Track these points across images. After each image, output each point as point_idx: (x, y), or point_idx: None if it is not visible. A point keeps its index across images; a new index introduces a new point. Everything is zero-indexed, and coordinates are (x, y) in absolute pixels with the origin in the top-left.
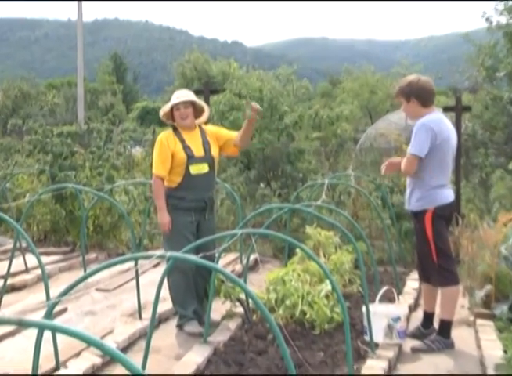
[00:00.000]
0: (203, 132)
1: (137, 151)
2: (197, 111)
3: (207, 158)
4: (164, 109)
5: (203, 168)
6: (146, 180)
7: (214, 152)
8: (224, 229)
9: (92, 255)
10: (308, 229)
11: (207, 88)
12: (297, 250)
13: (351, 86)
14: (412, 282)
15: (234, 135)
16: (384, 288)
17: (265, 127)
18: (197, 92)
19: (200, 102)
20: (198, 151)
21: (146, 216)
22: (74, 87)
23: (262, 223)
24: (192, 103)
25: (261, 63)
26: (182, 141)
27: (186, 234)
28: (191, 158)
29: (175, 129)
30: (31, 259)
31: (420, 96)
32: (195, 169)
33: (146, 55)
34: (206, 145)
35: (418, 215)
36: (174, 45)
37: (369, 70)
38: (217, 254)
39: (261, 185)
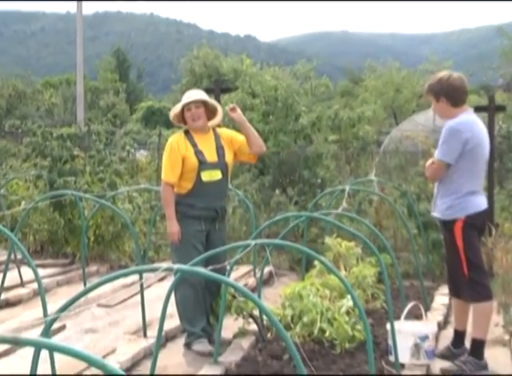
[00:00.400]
0: (217, 136)
1: (141, 155)
2: (210, 112)
3: (221, 164)
4: (175, 110)
5: (216, 174)
6: (151, 187)
7: (229, 158)
8: (236, 240)
9: (93, 268)
10: (328, 240)
11: (218, 86)
12: (316, 262)
13: (374, 84)
14: (441, 297)
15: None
16: (411, 304)
17: (280, 128)
18: (207, 91)
19: (213, 101)
20: (211, 156)
21: (152, 226)
22: (73, 85)
23: (277, 233)
24: (204, 103)
25: (276, 60)
26: (194, 145)
27: (195, 244)
28: (203, 164)
29: (187, 132)
30: (27, 272)
31: (450, 95)
32: (207, 176)
33: (152, 50)
34: (220, 150)
35: (447, 225)
36: (181, 40)
37: (393, 66)
38: (228, 267)
39: (277, 192)
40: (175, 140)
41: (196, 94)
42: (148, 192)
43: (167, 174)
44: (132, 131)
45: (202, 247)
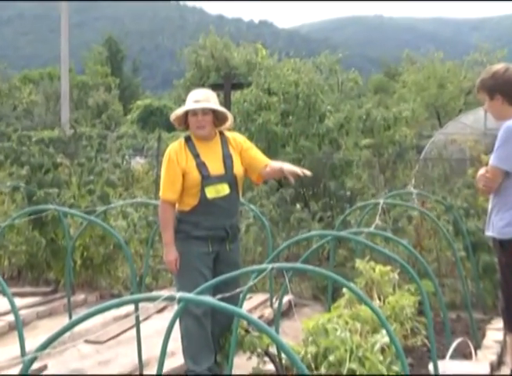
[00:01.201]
0: (224, 142)
1: (138, 163)
2: (218, 120)
3: (228, 177)
4: (177, 112)
5: (223, 189)
6: (148, 200)
7: (238, 169)
8: (250, 263)
9: (80, 297)
10: (358, 264)
11: (228, 81)
12: (344, 290)
13: (413, 78)
14: (495, 333)
15: (264, 161)
16: (457, 341)
17: (302, 131)
18: (215, 87)
19: (223, 110)
20: (216, 168)
21: (150, 247)
22: (57, 80)
23: (299, 256)
24: (213, 110)
25: (297, 50)
26: (196, 156)
27: (201, 268)
28: (206, 178)
29: (188, 139)
30: (2, 302)
31: (506, 92)
32: (212, 192)
33: (150, 39)
34: (227, 160)
35: (505, 245)
36: (185, 27)
37: (437, 57)
38: (241, 295)
39: (298, 206)
40: (174, 151)
41: (205, 98)
42: (145, 207)
43: (166, 191)
44: (127, 135)
45: (209, 272)
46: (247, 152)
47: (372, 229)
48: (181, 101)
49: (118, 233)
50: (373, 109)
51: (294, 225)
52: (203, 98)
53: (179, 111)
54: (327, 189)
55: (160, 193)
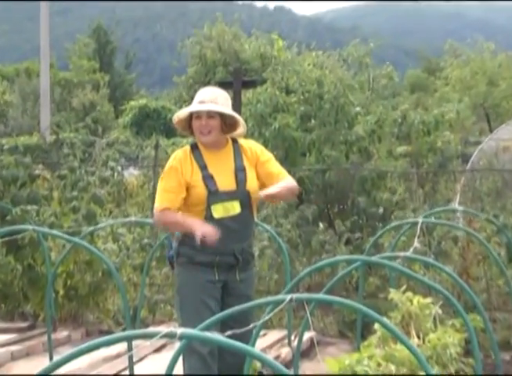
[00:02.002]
0: (237, 152)
1: (131, 175)
2: (226, 125)
3: (240, 193)
4: (180, 115)
5: (233, 208)
6: (144, 219)
7: (252, 184)
8: (264, 294)
9: (63, 334)
10: (393, 294)
11: (238, 78)
12: (376, 326)
13: (457, 74)
14: None
15: (282, 175)
16: None
17: (327, 138)
18: (223, 85)
19: (233, 114)
20: (226, 183)
21: (145, 274)
22: (36, 77)
23: (322, 285)
24: (221, 114)
25: (320, 41)
26: (203, 167)
27: (205, 299)
28: (214, 194)
29: (195, 147)
30: None
31: None
32: (219, 211)
33: (145, 28)
34: (239, 172)
35: None
36: (187, 14)
37: (486, 49)
38: (254, 332)
39: (321, 226)
40: (178, 158)
41: (213, 98)
42: (140, 227)
43: (161, 199)
44: (119, 142)
45: (216, 304)
46: (264, 166)
47: (409, 253)
48: (182, 102)
49: (108, 258)
50: (410, 110)
51: (317, 248)
52: (210, 98)
53: (182, 113)
54: (356, 205)
55: (156, 205)
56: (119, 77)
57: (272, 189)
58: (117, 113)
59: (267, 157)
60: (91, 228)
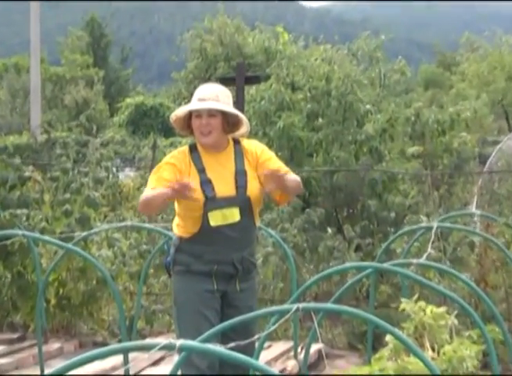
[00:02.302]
0: (239, 154)
1: (127, 177)
2: (229, 125)
3: (239, 200)
4: (178, 113)
5: (231, 215)
6: (141, 224)
7: (253, 189)
8: (268, 303)
9: (54, 346)
10: (406, 304)
11: (241, 74)
12: (388, 337)
13: (474, 69)
14: None
15: (283, 170)
16: None
17: (335, 138)
18: (225, 81)
19: (236, 113)
20: (224, 188)
21: (142, 282)
22: (26, 73)
23: (330, 293)
24: (223, 113)
25: (328, 34)
26: (201, 171)
27: (203, 310)
28: (211, 201)
29: (193, 148)
30: None
31: None
32: (217, 218)
33: (142, 20)
34: (240, 177)
35: None
36: (186, 6)
37: (505, 42)
38: (257, 344)
39: (329, 231)
40: (176, 158)
41: (212, 94)
42: (137, 232)
43: (147, 189)
44: (114, 142)
45: (215, 315)
46: (264, 165)
47: (423, 259)
48: (181, 99)
49: (102, 265)
50: (424, 108)
51: (325, 255)
52: (211, 95)
53: (180, 111)
54: (366, 209)
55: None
56: (114, 72)
57: (277, 172)
58: (112, 111)
59: (267, 156)
60: (84, 233)
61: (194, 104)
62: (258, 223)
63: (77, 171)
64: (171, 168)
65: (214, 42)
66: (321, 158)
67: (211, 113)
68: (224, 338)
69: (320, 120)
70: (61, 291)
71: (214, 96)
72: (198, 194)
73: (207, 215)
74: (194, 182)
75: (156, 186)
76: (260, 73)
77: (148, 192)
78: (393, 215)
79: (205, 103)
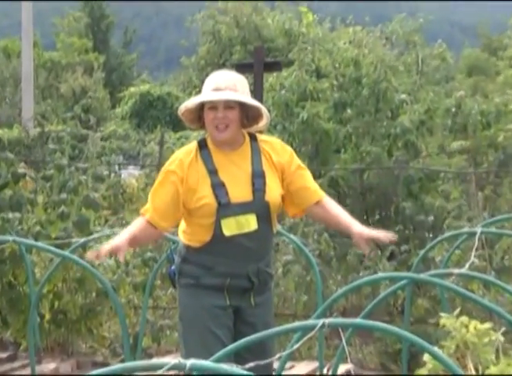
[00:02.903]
0: (256, 152)
1: (131, 175)
2: (248, 119)
3: (257, 206)
4: (188, 104)
5: (248, 223)
6: None
7: (273, 194)
8: (290, 319)
9: (50, 366)
10: (446, 320)
11: (259, 59)
12: (425, 357)
13: None
14: None
15: (317, 194)
16: None
17: (366, 132)
18: (241, 68)
19: (257, 105)
20: (240, 192)
21: (148, 295)
22: (16, 59)
23: (360, 307)
24: (241, 103)
25: (358, 15)
26: (212, 172)
27: (213, 328)
28: (225, 207)
29: (203, 144)
30: None
31: None
32: (231, 227)
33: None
34: (257, 179)
35: None
36: None
37: None
38: (277, 364)
39: None
40: (179, 163)
41: (229, 82)
42: None
43: (147, 208)
44: (116, 136)
45: (227, 334)
46: (295, 176)
47: (465, 269)
48: (192, 88)
49: (103, 276)
50: (467, 98)
51: (354, 263)
52: (228, 84)
53: (191, 103)
54: (401, 212)
55: (143, 209)
56: (116, 58)
57: (370, 232)
58: (114, 101)
59: (297, 163)
60: (83, 239)
61: (208, 94)
62: (276, 230)
63: (75, 167)
64: (171, 186)
65: (228, 24)
66: (350, 154)
67: (229, 104)
68: (238, 358)
69: (349, 111)
70: (56, 304)
71: (232, 85)
72: (209, 199)
73: (219, 222)
74: (204, 185)
75: (152, 205)
76: (280, 58)
77: (134, 222)
78: (431, 218)
79: (221, 93)
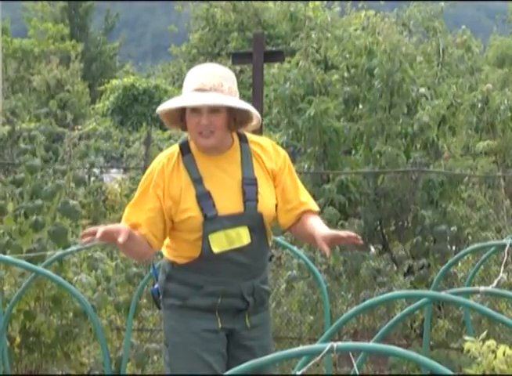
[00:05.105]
0: (246, 154)
1: (113, 179)
2: (236, 122)
3: (249, 217)
4: (166, 106)
5: (239, 237)
6: None
7: (267, 203)
8: (294, 342)
9: None
10: (470, 344)
11: (259, 48)
12: None
13: None
14: None
15: (306, 201)
16: None
17: (380, 129)
18: (239, 58)
19: (247, 108)
20: (229, 203)
21: (132, 316)
22: None
23: (373, 329)
24: (229, 107)
25: None
26: (196, 181)
27: (204, 356)
28: (211, 221)
29: (185, 150)
30: None
31: None
32: (220, 242)
33: None
34: (248, 187)
35: None
36: None
37: None
38: None
39: (372, 250)
40: (161, 170)
41: (214, 80)
42: None
43: (129, 213)
44: (96, 134)
45: (220, 360)
46: (286, 181)
47: (492, 286)
48: (182, 80)
49: (82, 294)
50: (496, 92)
51: (366, 280)
52: (213, 84)
53: (169, 106)
54: (419, 222)
55: (123, 217)
56: (96, 46)
57: (332, 231)
58: (94, 95)
59: (288, 164)
60: (59, 252)
61: (190, 97)
62: (271, 242)
63: (52, 170)
64: (151, 197)
65: (224, 8)
66: (362, 155)
67: (214, 108)
68: None
69: (361, 106)
70: (28, 325)
71: (218, 85)
72: (194, 212)
73: (207, 238)
74: (188, 196)
75: (130, 218)
76: (283, 47)
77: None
78: (454, 229)
79: (206, 94)
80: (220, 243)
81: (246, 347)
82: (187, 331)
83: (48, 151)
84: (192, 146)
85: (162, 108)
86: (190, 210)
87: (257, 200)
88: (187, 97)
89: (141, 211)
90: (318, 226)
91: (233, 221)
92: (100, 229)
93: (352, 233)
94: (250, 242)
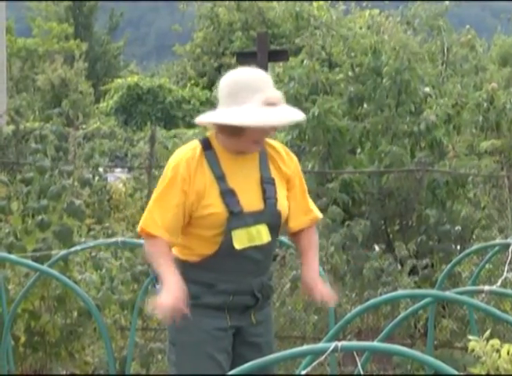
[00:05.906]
0: (263, 156)
1: (118, 179)
2: None
3: (269, 214)
4: (236, 120)
5: (259, 235)
6: (134, 240)
7: (283, 201)
8: (298, 341)
9: None
10: (475, 343)
11: (263, 47)
12: None
13: None
14: None
15: (309, 210)
16: None
17: (385, 129)
18: (244, 57)
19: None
20: (250, 200)
21: (137, 314)
22: None
23: (377, 329)
24: None
25: None
26: (219, 178)
27: (214, 354)
28: (237, 217)
29: (207, 146)
30: None
31: None
32: (242, 239)
33: None
34: (268, 186)
35: None
36: None
37: None
38: None
39: (376, 249)
40: (185, 164)
41: (277, 91)
42: (130, 249)
43: (151, 220)
44: (100, 134)
45: (227, 359)
46: (295, 189)
47: (496, 286)
48: (187, 79)
49: (86, 293)
50: (501, 91)
51: (370, 279)
52: (278, 96)
53: (243, 120)
54: (424, 221)
55: (142, 222)
56: (100, 45)
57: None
58: (98, 94)
59: (300, 173)
60: (64, 251)
61: (271, 115)
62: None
63: (58, 170)
64: (177, 189)
65: (228, 7)
66: (366, 155)
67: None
68: None
69: (366, 105)
70: (33, 325)
71: (281, 96)
72: (217, 208)
73: (229, 234)
74: (212, 192)
75: (163, 222)
76: (287, 46)
77: (159, 258)
78: (458, 228)
79: (281, 109)
80: (241, 239)
81: (253, 344)
82: (198, 330)
83: (58, 151)
84: (214, 143)
85: (228, 118)
86: (213, 206)
87: (276, 199)
88: (271, 116)
89: (167, 208)
90: (309, 260)
91: (254, 218)
92: (166, 313)
93: (327, 296)
94: (269, 241)
